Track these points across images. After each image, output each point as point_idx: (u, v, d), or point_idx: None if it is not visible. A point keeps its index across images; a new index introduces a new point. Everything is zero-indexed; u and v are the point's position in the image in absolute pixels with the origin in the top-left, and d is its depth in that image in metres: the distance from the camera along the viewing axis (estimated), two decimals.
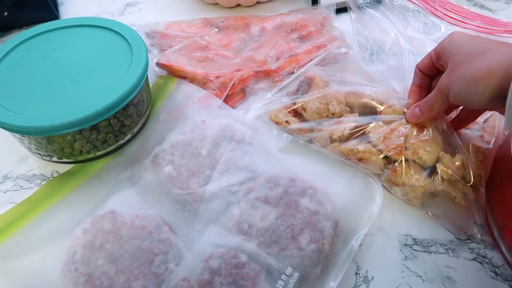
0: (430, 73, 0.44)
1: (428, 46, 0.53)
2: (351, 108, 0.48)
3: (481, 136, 0.44)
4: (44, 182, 0.47)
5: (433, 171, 0.43)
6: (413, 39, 0.54)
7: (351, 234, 0.40)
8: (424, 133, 0.43)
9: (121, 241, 0.38)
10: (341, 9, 0.67)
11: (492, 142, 0.43)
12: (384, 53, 0.57)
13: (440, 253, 0.41)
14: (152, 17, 0.69)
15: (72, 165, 0.47)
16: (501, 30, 0.53)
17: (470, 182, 0.42)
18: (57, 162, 0.47)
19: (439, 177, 0.42)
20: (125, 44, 0.48)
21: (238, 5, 0.71)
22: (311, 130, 0.48)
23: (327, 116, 0.48)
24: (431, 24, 0.56)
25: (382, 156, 0.44)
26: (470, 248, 0.41)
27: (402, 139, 0.43)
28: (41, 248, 0.39)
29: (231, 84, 0.52)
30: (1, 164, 0.49)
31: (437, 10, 0.55)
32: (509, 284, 0.39)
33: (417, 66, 0.45)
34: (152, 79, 0.55)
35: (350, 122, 0.46)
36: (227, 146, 0.45)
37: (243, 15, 0.67)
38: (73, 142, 0.43)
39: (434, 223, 0.43)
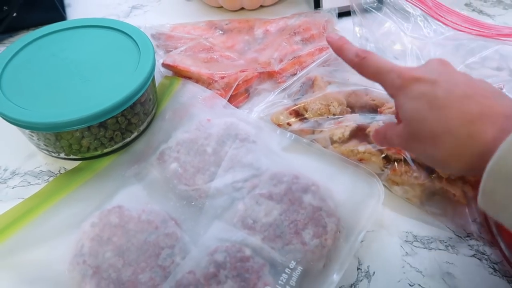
0: None
1: (430, 48, 0.54)
2: (352, 109, 0.49)
3: None
4: (51, 179, 0.48)
5: (432, 169, 0.44)
6: (415, 40, 0.55)
7: (353, 230, 0.41)
8: None
9: (128, 235, 0.38)
10: (343, 13, 0.68)
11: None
12: (386, 55, 0.58)
13: (440, 249, 0.42)
14: (157, 19, 0.70)
15: (79, 162, 0.48)
16: (492, 34, 0.55)
17: (469, 180, 0.43)
18: (64, 159, 0.48)
19: (438, 176, 0.43)
20: (133, 44, 0.49)
21: (242, 8, 0.72)
22: (313, 132, 0.49)
23: (328, 116, 0.49)
24: (431, 26, 0.57)
25: (382, 156, 0.45)
26: (469, 245, 0.42)
27: None
28: (49, 242, 0.40)
29: (235, 85, 0.53)
30: (9, 160, 0.50)
31: (436, 12, 0.56)
32: (507, 279, 0.39)
33: None
34: (157, 79, 0.56)
35: (350, 122, 0.47)
36: (232, 144, 0.46)
37: (246, 18, 0.68)
38: (81, 138, 0.44)
39: (434, 221, 0.44)
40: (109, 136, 0.46)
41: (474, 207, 0.44)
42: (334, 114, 0.48)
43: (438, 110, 0.30)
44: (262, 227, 0.39)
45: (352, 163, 0.46)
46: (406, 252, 0.42)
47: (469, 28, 0.56)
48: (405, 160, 0.44)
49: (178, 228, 0.40)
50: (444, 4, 0.60)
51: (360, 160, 0.46)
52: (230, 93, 0.53)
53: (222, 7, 0.72)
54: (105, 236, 0.38)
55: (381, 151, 0.45)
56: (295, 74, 0.55)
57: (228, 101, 0.53)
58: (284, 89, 0.54)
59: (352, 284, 0.39)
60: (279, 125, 0.50)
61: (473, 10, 0.72)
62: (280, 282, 0.36)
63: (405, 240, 0.42)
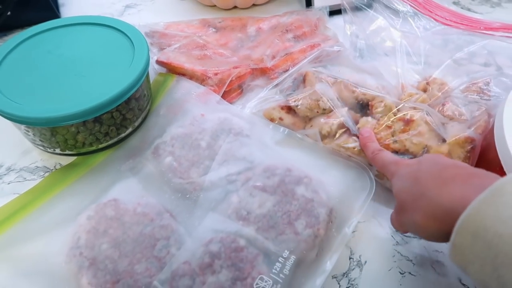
0: None
1: (419, 43, 0.56)
2: (343, 102, 0.50)
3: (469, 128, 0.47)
4: (47, 174, 0.48)
5: None
6: (405, 35, 0.56)
7: (344, 220, 0.41)
8: (411, 126, 0.45)
9: (124, 227, 0.39)
10: (334, 11, 0.70)
11: (479, 133, 0.45)
12: (376, 52, 0.59)
13: None
14: (151, 18, 0.71)
15: (75, 157, 0.48)
16: (481, 28, 0.56)
17: None
18: (60, 154, 0.48)
19: None
20: (127, 41, 0.50)
21: (235, 7, 0.73)
22: (303, 127, 0.50)
23: (318, 112, 0.50)
24: (421, 21, 0.59)
25: None
26: None
27: (390, 132, 0.45)
28: (45, 235, 0.40)
29: (228, 81, 0.54)
30: (5, 156, 0.50)
31: (425, 8, 0.58)
32: None
33: None
34: (152, 76, 0.57)
35: (338, 117, 0.48)
36: (226, 138, 0.47)
37: (239, 16, 0.69)
38: (77, 133, 0.45)
39: None
40: (104, 131, 0.46)
41: None
42: (324, 109, 0.49)
43: (418, 180, 0.34)
44: (256, 218, 0.40)
45: (343, 156, 0.47)
46: (397, 242, 0.43)
47: (457, 23, 0.57)
48: (395, 153, 0.45)
49: (173, 220, 0.41)
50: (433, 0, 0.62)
51: (350, 155, 0.47)
52: (224, 89, 0.54)
53: (215, 5, 0.73)
54: (101, 229, 0.39)
55: None
56: (287, 70, 0.56)
57: (221, 97, 0.54)
58: (276, 85, 0.55)
59: (344, 272, 0.40)
60: (271, 120, 0.51)
61: (462, 8, 0.74)
62: (274, 271, 0.37)
63: (396, 230, 0.43)
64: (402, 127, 0.45)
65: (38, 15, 0.67)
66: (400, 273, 0.40)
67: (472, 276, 0.28)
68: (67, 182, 0.45)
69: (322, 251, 0.39)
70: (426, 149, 0.44)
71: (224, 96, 0.54)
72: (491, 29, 0.56)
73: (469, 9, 0.74)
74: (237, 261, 0.37)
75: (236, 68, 0.55)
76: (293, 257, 0.38)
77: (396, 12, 0.62)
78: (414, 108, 0.47)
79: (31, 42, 0.50)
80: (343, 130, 0.48)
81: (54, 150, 0.47)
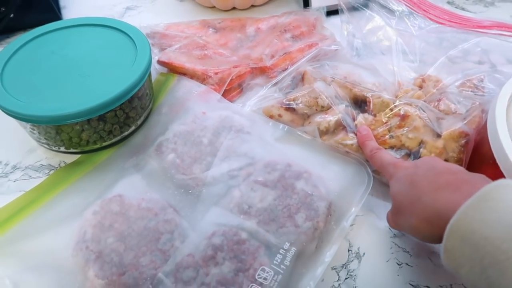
0: None
1: (415, 42, 0.57)
2: (341, 100, 0.51)
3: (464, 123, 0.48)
4: (52, 172, 0.49)
5: (418, 156, 0.46)
6: (400, 34, 0.57)
7: (343, 214, 0.43)
8: (407, 121, 0.46)
9: (129, 222, 0.40)
10: (332, 12, 0.71)
11: (473, 128, 0.46)
12: (372, 50, 0.60)
13: None
14: (151, 20, 0.72)
15: (79, 155, 0.49)
16: (472, 25, 0.58)
17: None
18: (64, 152, 0.49)
19: None
20: (129, 41, 0.51)
21: (234, 8, 0.74)
22: (302, 124, 0.51)
23: (316, 109, 0.51)
24: (416, 20, 0.60)
25: None
26: None
27: (387, 128, 0.47)
28: (52, 230, 0.41)
29: (229, 80, 0.55)
30: (10, 155, 0.51)
31: (420, 7, 0.59)
32: None
33: None
34: (153, 76, 0.58)
35: (336, 114, 0.49)
36: (227, 135, 0.48)
37: (238, 17, 0.70)
38: (81, 132, 0.46)
39: None
40: (108, 129, 0.47)
41: None
42: (322, 106, 0.50)
43: (415, 184, 0.36)
44: (257, 212, 0.41)
45: (341, 152, 0.48)
46: (394, 234, 0.44)
47: (451, 21, 0.58)
48: (392, 148, 0.46)
49: (176, 214, 0.42)
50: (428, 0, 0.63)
51: (348, 152, 0.48)
52: (224, 88, 0.55)
53: (214, 7, 0.74)
54: (107, 223, 0.40)
55: None
56: (286, 69, 0.58)
57: (222, 95, 0.55)
58: (276, 84, 0.56)
59: (343, 264, 0.41)
60: (270, 117, 0.52)
61: (456, 7, 0.75)
62: (275, 262, 0.38)
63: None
64: (398, 123, 0.46)
65: (40, 17, 0.68)
66: (398, 264, 0.41)
67: (463, 279, 0.30)
68: (71, 180, 0.46)
69: (322, 243, 0.40)
70: (422, 144, 0.45)
71: (224, 94, 0.55)
72: (483, 27, 0.57)
73: (463, 9, 0.75)
74: (239, 253, 0.38)
75: (236, 67, 0.56)
76: (293, 249, 0.39)
77: (391, 11, 0.64)
78: (410, 104, 0.48)
79: (35, 43, 0.51)
80: (341, 127, 0.49)
81: (59, 149, 0.48)
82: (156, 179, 0.45)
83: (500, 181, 0.30)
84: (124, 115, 0.48)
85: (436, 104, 0.49)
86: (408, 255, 0.42)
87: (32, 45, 0.50)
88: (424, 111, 0.47)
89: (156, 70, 0.60)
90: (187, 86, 0.55)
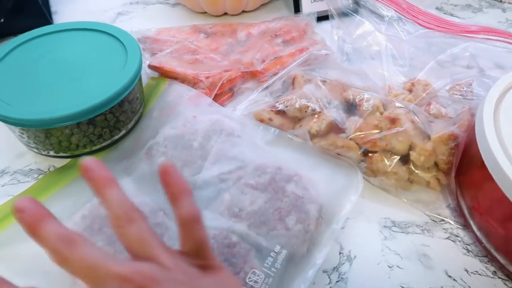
0: None
1: (404, 47, 0.58)
2: (332, 103, 0.52)
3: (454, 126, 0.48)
4: (41, 176, 0.49)
5: (406, 160, 0.46)
6: (390, 39, 0.58)
7: (334, 216, 0.43)
8: (397, 124, 0.47)
9: None
10: (322, 17, 0.71)
11: (463, 131, 0.47)
12: (362, 55, 0.61)
13: (416, 233, 0.44)
14: (143, 25, 0.72)
15: (69, 159, 0.49)
16: (460, 30, 0.58)
17: (442, 168, 0.45)
18: (54, 157, 0.49)
19: (413, 164, 0.45)
20: (120, 45, 0.51)
21: (225, 13, 0.75)
22: (293, 127, 0.51)
23: (307, 112, 0.51)
24: (405, 26, 0.61)
25: (360, 151, 0.47)
26: (444, 229, 0.44)
27: (377, 131, 0.47)
28: None
29: (219, 84, 0.55)
30: None
31: (408, 13, 0.60)
32: (479, 259, 0.42)
33: None
34: (144, 81, 0.58)
35: (326, 117, 0.49)
36: (217, 138, 0.48)
37: (229, 22, 0.70)
38: (71, 135, 0.46)
39: (410, 207, 0.46)
40: (98, 133, 0.47)
41: (448, 193, 0.46)
42: (313, 110, 0.51)
43: None
44: (247, 215, 0.41)
45: (332, 155, 0.48)
46: (385, 237, 0.44)
47: (439, 26, 0.59)
48: (382, 151, 0.46)
49: (167, 218, 0.41)
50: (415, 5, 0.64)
51: (339, 154, 0.48)
52: (215, 92, 0.55)
53: (206, 12, 0.75)
54: (96, 227, 0.40)
55: (358, 146, 0.47)
56: (276, 73, 0.58)
57: (213, 99, 0.55)
58: (266, 88, 0.56)
59: (334, 267, 0.41)
60: (261, 121, 0.52)
61: (445, 13, 0.76)
62: (266, 265, 0.38)
63: (384, 226, 0.45)
64: (388, 125, 0.47)
65: (31, 22, 0.67)
66: (389, 267, 0.41)
67: None
68: (61, 184, 0.46)
69: (313, 246, 0.40)
70: (411, 146, 0.46)
71: (215, 99, 0.55)
72: (471, 31, 0.58)
73: (452, 14, 0.77)
74: (230, 256, 0.38)
75: (227, 71, 0.56)
76: (284, 252, 0.39)
77: (381, 17, 0.64)
78: (400, 107, 0.48)
79: (24, 48, 0.50)
80: (332, 130, 0.49)
81: (48, 153, 0.48)
82: (146, 183, 0.45)
83: None
84: (114, 118, 0.47)
85: (426, 107, 0.50)
86: (399, 257, 0.42)
87: (21, 49, 0.50)
88: (415, 114, 0.47)
89: (147, 74, 0.60)
90: (178, 90, 0.55)
